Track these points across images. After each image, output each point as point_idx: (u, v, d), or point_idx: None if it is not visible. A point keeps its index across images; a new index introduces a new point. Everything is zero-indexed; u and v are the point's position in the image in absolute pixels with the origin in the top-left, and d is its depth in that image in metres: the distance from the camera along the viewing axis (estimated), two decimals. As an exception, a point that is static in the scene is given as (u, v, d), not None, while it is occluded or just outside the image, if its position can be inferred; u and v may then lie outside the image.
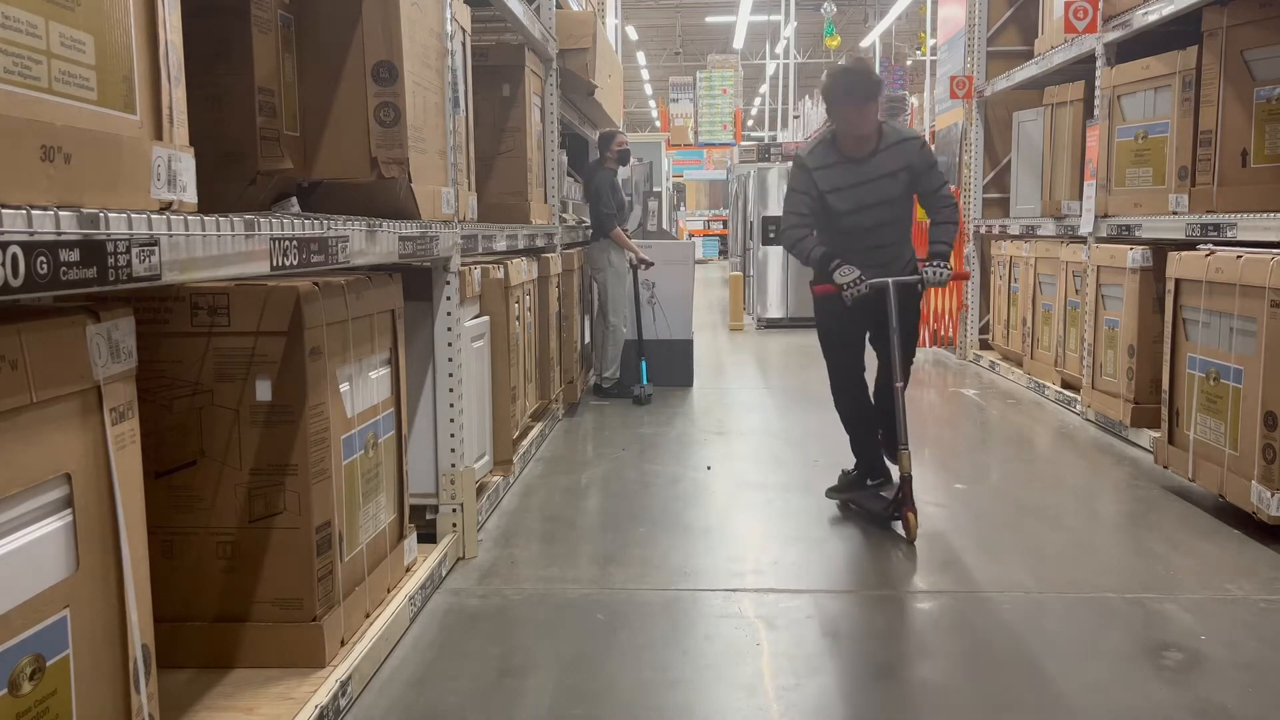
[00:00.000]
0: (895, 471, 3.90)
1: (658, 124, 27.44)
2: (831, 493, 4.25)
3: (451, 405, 3.53)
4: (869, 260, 3.92)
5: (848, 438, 4.23)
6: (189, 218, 1.62)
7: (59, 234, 1.29)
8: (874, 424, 4.14)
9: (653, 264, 6.89)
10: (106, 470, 1.58)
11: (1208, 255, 4.07)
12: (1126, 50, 5.69)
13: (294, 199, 2.75)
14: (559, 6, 6.06)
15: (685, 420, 6.16)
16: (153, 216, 1.51)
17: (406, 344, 3.21)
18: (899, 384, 3.84)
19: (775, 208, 11.27)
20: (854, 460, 4.25)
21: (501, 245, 4.45)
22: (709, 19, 23.86)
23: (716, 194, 25.28)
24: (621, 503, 4.35)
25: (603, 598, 3.24)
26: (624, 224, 6.93)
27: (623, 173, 7.23)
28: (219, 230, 1.72)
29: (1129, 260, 5.33)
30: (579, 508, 4.30)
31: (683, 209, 24.49)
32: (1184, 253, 4.30)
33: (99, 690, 1.56)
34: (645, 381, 6.83)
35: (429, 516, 3.55)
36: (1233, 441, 3.87)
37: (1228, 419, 3.91)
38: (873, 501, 4.05)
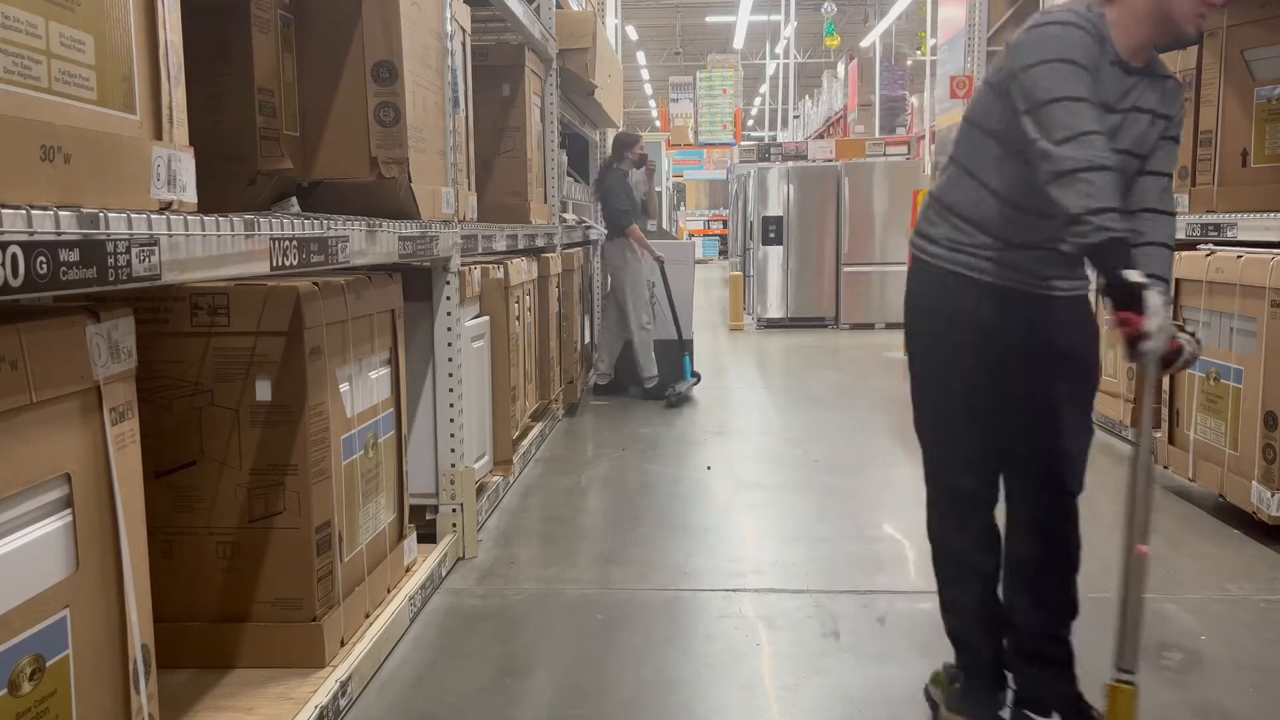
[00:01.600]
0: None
1: (658, 124, 27.44)
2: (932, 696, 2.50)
3: (451, 405, 3.53)
4: (1043, 259, 2.21)
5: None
6: (189, 218, 1.62)
7: (59, 234, 1.29)
8: (998, 608, 2.35)
9: (663, 259, 6.87)
10: (106, 470, 1.58)
11: (1208, 255, 4.07)
12: (1126, 50, 5.68)
13: (294, 199, 2.75)
14: (559, 6, 6.05)
15: (685, 420, 6.16)
16: (153, 216, 1.51)
17: (406, 344, 3.21)
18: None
19: (775, 207, 11.27)
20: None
21: (501, 245, 4.45)
22: (709, 19, 23.86)
23: (716, 194, 25.26)
24: (621, 503, 4.35)
25: (603, 598, 3.24)
26: (639, 221, 6.90)
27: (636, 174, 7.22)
28: (219, 230, 1.72)
29: (1129, 260, 5.32)
30: (579, 507, 4.30)
31: (683, 209, 24.49)
32: (1184, 253, 4.30)
33: (99, 690, 1.56)
34: (689, 377, 6.86)
35: (429, 516, 3.55)
36: (1233, 441, 3.87)
37: (1228, 419, 3.91)
38: None
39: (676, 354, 6.99)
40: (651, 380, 6.80)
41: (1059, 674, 2.27)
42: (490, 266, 4.41)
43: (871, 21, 21.06)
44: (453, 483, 3.54)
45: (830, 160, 12.45)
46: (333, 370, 2.56)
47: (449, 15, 3.36)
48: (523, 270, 4.89)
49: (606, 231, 6.89)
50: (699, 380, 7.00)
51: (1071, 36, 2.06)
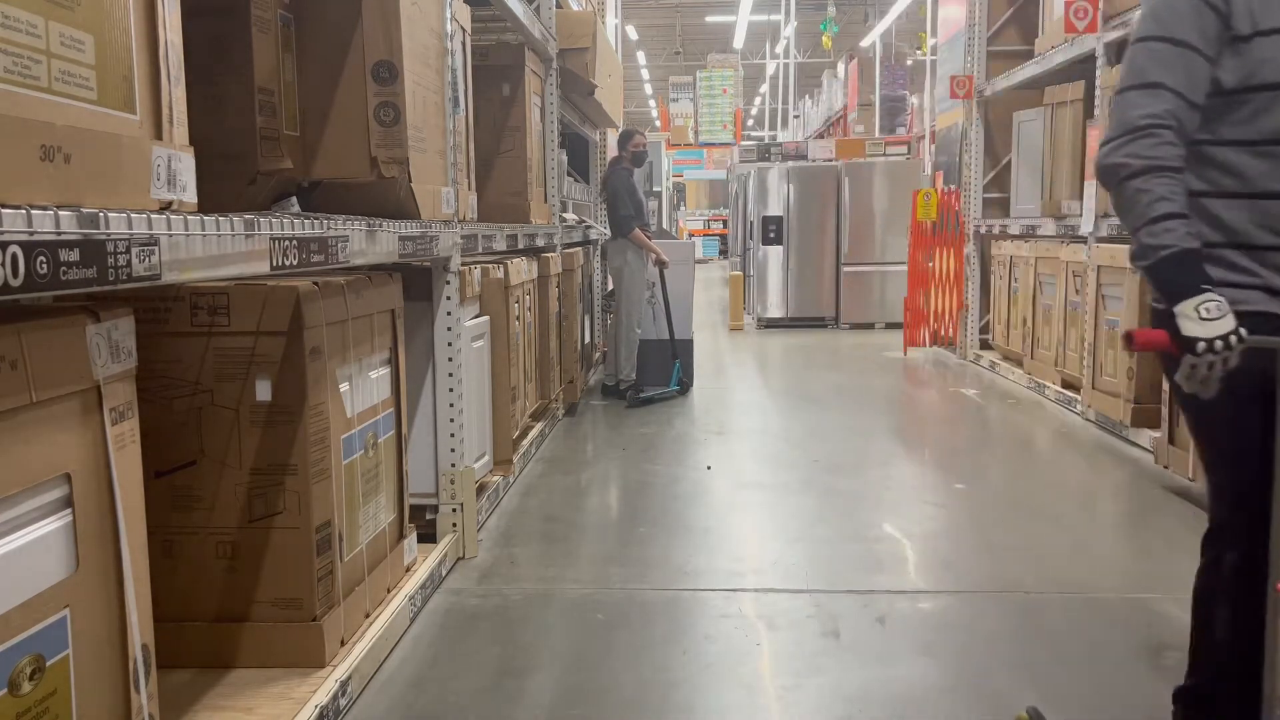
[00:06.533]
0: None
1: (658, 124, 27.43)
2: None
3: (451, 405, 3.53)
4: None
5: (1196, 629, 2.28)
6: (189, 217, 1.62)
7: (59, 234, 1.29)
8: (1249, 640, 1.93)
9: (669, 263, 6.88)
10: (106, 470, 1.58)
11: (1208, 255, 4.06)
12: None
13: (294, 199, 2.75)
14: (559, 6, 6.05)
15: (685, 420, 6.16)
16: (152, 216, 1.51)
17: (406, 344, 3.21)
18: None
19: (775, 207, 11.27)
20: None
21: (501, 245, 4.45)
22: (709, 19, 23.85)
23: (716, 194, 25.26)
24: (621, 502, 4.35)
25: (603, 598, 3.24)
26: (643, 223, 6.91)
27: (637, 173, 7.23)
28: (219, 230, 1.72)
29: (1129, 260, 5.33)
30: (579, 507, 4.30)
31: (683, 209, 24.50)
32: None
33: (99, 690, 1.56)
34: (674, 385, 6.86)
35: (429, 516, 3.55)
36: (1233, 441, 3.87)
37: (1228, 419, 3.91)
38: None
39: (667, 357, 6.98)
40: (626, 383, 6.83)
41: None
42: (490, 266, 4.41)
43: (871, 21, 21.06)
44: (453, 482, 3.54)
45: (830, 160, 12.43)
46: (333, 370, 2.56)
47: (449, 15, 3.36)
48: (523, 270, 4.89)
49: (609, 232, 6.90)
50: (682, 392, 6.98)
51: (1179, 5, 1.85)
